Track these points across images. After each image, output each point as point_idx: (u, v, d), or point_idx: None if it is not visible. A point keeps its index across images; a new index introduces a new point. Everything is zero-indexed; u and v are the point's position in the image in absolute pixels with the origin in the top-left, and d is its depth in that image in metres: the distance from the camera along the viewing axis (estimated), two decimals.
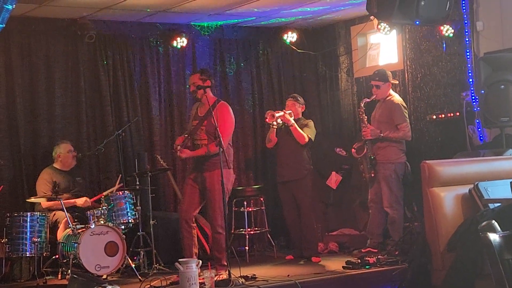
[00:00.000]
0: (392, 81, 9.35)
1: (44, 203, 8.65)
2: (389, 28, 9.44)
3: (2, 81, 9.05)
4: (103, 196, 8.66)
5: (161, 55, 10.13)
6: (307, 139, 9.07)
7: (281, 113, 9.08)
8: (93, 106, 9.66)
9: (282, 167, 9.28)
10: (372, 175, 9.12)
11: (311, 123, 9.27)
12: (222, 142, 7.71)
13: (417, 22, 8.52)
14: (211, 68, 10.45)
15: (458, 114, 9.19)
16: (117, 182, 8.96)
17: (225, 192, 7.89)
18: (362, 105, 9.23)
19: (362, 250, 8.98)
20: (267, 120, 9.11)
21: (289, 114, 9.13)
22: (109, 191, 8.87)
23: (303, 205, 9.15)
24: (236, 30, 10.66)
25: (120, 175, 9.07)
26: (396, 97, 9.24)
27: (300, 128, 9.09)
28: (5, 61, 9.09)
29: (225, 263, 7.83)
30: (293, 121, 9.08)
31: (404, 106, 9.19)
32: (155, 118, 9.97)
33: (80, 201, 8.75)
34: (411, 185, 8.96)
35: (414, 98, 9.93)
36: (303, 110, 9.39)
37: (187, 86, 10.15)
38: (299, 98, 9.39)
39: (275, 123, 9.07)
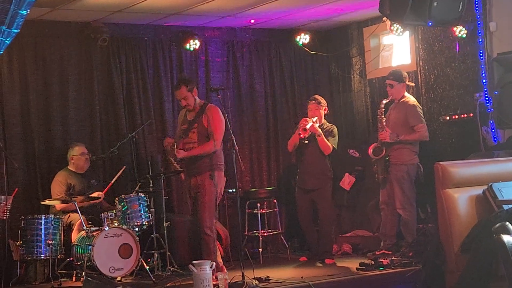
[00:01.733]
0: (408, 83, 9.29)
1: (58, 205, 8.70)
2: (402, 29, 9.43)
3: (16, 85, 9.10)
4: (117, 198, 8.69)
5: (174, 57, 10.16)
6: (331, 150, 9.09)
7: (310, 123, 9.05)
8: (106, 109, 9.69)
9: (304, 175, 9.23)
10: (385, 176, 9.09)
11: (335, 130, 9.22)
12: (215, 142, 7.87)
13: (430, 23, 8.51)
14: (223, 70, 10.48)
15: (471, 115, 9.16)
16: (121, 170, 9.04)
17: (216, 194, 7.93)
18: (383, 106, 9.14)
19: (376, 252, 8.96)
20: (301, 136, 9.05)
21: (316, 121, 9.10)
22: (114, 179, 8.97)
23: (322, 211, 9.15)
24: (248, 32, 10.68)
25: (124, 166, 9.16)
26: (411, 99, 9.19)
27: (325, 136, 9.09)
28: (19, 64, 9.13)
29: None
30: (320, 131, 9.04)
31: (419, 107, 9.14)
32: (168, 120, 9.99)
33: (94, 195, 8.78)
34: (423, 186, 8.93)
35: (427, 99, 9.91)
36: (326, 112, 9.34)
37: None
38: (321, 101, 9.29)
39: (305, 139, 9.08)
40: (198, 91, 8.46)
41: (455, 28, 9.26)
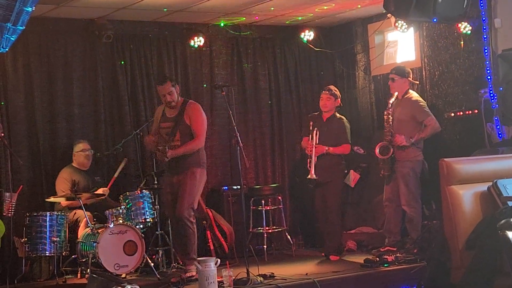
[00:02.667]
0: (412, 80, 9.26)
1: (63, 202, 8.71)
2: (406, 26, 9.42)
3: (20, 82, 9.11)
4: (121, 195, 8.70)
5: (178, 54, 10.15)
6: (349, 149, 9.13)
7: (313, 156, 9.01)
8: (111, 106, 9.70)
9: (316, 169, 9.25)
10: (390, 173, 9.08)
11: (346, 123, 9.21)
12: (199, 139, 7.98)
13: (435, 20, 8.49)
14: (228, 67, 10.47)
15: (476, 111, 9.15)
16: (121, 166, 9.08)
17: (198, 191, 8.01)
18: (390, 106, 9.09)
19: (381, 249, 8.96)
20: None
21: (314, 144, 9.05)
22: (117, 172, 9.00)
23: (330, 204, 9.14)
24: (253, 29, 10.67)
25: (126, 158, 9.19)
26: (414, 94, 9.16)
27: (335, 132, 9.08)
28: (24, 61, 9.14)
29: (194, 256, 7.87)
30: (326, 148, 9.02)
31: (422, 102, 9.12)
32: None
33: (100, 191, 8.79)
34: (428, 183, 8.92)
35: (432, 95, 9.89)
36: (338, 105, 9.30)
37: (204, 85, 10.23)
38: (335, 92, 9.26)
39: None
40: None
41: (459, 25, 9.25)
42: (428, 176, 8.97)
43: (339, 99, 9.26)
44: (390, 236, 9.11)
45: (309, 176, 9.01)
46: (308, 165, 9.02)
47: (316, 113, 9.34)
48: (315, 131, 9.07)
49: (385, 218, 9.29)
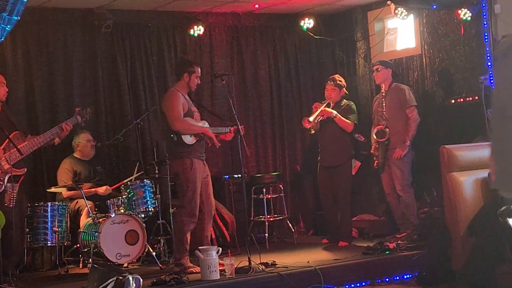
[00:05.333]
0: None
1: (65, 192, 8.71)
2: (406, 13, 9.42)
3: (20, 73, 9.10)
4: (123, 185, 8.69)
5: (178, 43, 10.14)
6: (352, 126, 9.14)
7: (320, 109, 9.06)
8: (111, 96, 9.70)
9: (324, 152, 9.32)
10: (384, 160, 9.14)
11: (353, 106, 9.30)
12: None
13: (434, 6, 8.49)
14: (228, 56, 10.47)
15: (477, 98, 9.14)
16: (135, 171, 9.01)
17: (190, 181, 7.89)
18: (383, 96, 9.19)
19: (397, 235, 9.00)
20: (306, 126, 9.13)
21: (328, 104, 9.12)
22: (128, 179, 8.90)
23: (340, 189, 9.20)
24: (253, 17, 10.65)
25: (138, 163, 9.12)
26: (402, 85, 9.32)
27: (343, 114, 9.12)
28: (23, 52, 9.13)
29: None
30: (335, 113, 9.09)
31: (411, 90, 9.27)
32: None
33: (101, 190, 8.80)
34: (429, 170, 8.96)
35: (432, 82, 9.89)
36: (343, 94, 9.34)
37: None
38: (339, 82, 9.31)
39: (311, 128, 9.10)
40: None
41: (459, 11, 9.24)
42: (416, 162, 9.04)
43: (344, 89, 9.30)
44: (408, 227, 9.06)
45: (308, 117, 9.09)
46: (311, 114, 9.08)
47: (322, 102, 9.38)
48: (328, 102, 9.19)
49: (390, 208, 9.33)
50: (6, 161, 7.32)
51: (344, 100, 9.32)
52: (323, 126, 9.26)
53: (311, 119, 9.02)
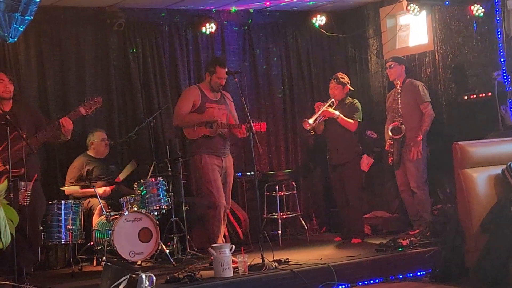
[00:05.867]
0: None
1: (77, 190, 8.75)
2: (418, 9, 9.39)
3: (33, 71, 9.14)
4: (136, 182, 8.70)
5: (190, 41, 10.15)
6: (356, 126, 9.14)
7: (322, 110, 9.07)
8: (123, 94, 9.72)
9: (331, 151, 9.35)
10: (399, 157, 9.14)
11: (357, 104, 9.29)
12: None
13: (447, 3, 8.45)
14: (240, 54, 10.48)
15: (490, 94, 9.11)
16: (129, 166, 9.05)
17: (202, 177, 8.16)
18: (399, 91, 9.19)
19: (410, 232, 8.99)
20: (305, 127, 9.14)
21: (331, 104, 9.13)
22: (124, 174, 8.96)
23: (349, 187, 9.22)
24: (264, 15, 10.64)
25: (134, 161, 9.20)
26: (416, 81, 9.33)
27: (347, 113, 9.13)
28: (36, 51, 9.17)
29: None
30: (337, 113, 9.10)
31: (425, 86, 9.28)
32: None
33: (100, 191, 8.76)
34: (437, 166, 8.97)
35: (445, 79, 9.86)
36: (347, 91, 9.34)
37: None
38: (342, 80, 9.32)
39: (311, 130, 9.13)
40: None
41: (472, 7, 9.21)
42: (430, 159, 9.04)
43: (347, 86, 9.30)
44: (421, 223, 9.06)
45: (307, 119, 9.12)
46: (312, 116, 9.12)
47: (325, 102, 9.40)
48: (331, 101, 9.22)
49: (404, 205, 9.34)
50: (2, 163, 7.31)
51: (349, 98, 9.32)
52: (328, 125, 9.27)
53: (310, 121, 9.04)
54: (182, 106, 8.29)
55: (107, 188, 8.86)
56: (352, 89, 9.42)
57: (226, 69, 8.36)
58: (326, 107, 9.12)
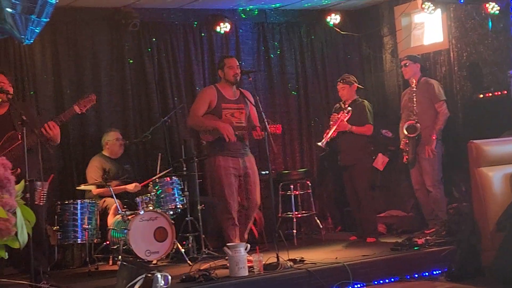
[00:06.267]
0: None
1: (94, 190, 8.79)
2: (433, 7, 9.37)
3: (49, 72, 9.19)
4: (151, 182, 8.72)
5: (204, 41, 10.17)
6: (371, 131, 9.21)
7: (333, 129, 9.11)
8: (139, 94, 9.75)
9: (343, 153, 9.34)
10: (414, 155, 9.13)
11: (368, 105, 9.31)
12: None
13: (462, 1, 8.41)
14: (254, 53, 10.49)
15: (505, 92, 9.08)
16: (158, 163, 9.03)
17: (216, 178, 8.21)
18: (414, 89, 9.18)
19: (425, 231, 8.98)
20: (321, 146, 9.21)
21: (341, 119, 9.14)
22: (157, 176, 8.92)
23: (360, 187, 9.23)
24: (279, 14, 10.65)
25: (160, 154, 9.13)
26: (431, 80, 9.32)
27: (357, 119, 9.12)
28: (52, 52, 9.22)
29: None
30: (349, 126, 9.14)
31: (440, 84, 9.27)
32: None
33: (131, 187, 8.86)
34: (458, 165, 8.93)
35: (460, 77, 9.82)
36: (355, 89, 9.36)
37: None
38: (347, 80, 9.34)
39: (326, 147, 9.21)
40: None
41: (487, 5, 9.17)
42: (445, 158, 9.02)
43: (355, 84, 9.30)
44: (436, 223, 9.05)
45: (318, 143, 9.15)
46: (325, 133, 9.14)
47: (337, 105, 9.40)
48: (346, 110, 9.19)
49: (419, 204, 9.33)
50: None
51: (359, 98, 9.34)
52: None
53: (324, 143, 9.11)
54: (197, 107, 8.33)
55: (138, 184, 8.91)
56: (361, 87, 9.42)
57: (235, 61, 8.47)
58: (339, 123, 9.12)
